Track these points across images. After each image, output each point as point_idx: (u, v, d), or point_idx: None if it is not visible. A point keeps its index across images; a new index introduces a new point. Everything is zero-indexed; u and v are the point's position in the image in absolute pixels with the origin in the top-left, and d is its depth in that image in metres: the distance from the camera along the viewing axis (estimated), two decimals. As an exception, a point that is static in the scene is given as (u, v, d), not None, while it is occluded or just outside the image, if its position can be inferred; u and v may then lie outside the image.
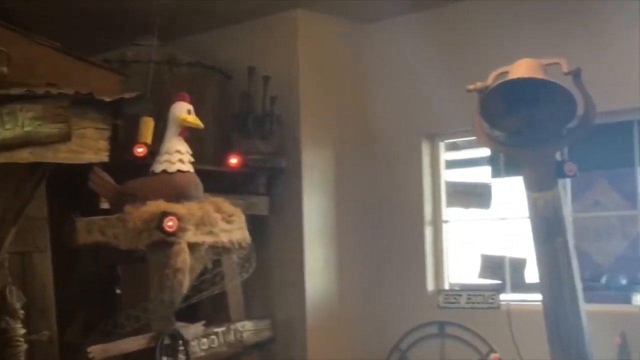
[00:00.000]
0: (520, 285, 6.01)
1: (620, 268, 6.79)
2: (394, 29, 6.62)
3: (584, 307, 4.79)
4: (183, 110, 4.94)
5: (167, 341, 4.60)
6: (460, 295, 6.06)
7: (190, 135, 5.09)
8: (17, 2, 5.45)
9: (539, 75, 4.54)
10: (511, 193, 5.72)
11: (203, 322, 4.98)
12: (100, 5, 6.06)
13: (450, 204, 6.29)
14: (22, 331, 4.72)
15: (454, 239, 6.51)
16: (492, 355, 5.72)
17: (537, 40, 5.64)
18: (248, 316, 6.00)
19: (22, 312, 4.75)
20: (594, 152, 5.78)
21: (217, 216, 4.82)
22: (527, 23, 5.88)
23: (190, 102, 4.99)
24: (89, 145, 4.76)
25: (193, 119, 4.96)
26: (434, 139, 6.52)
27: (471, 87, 4.75)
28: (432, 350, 6.08)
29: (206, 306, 5.95)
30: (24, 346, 4.72)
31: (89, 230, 4.76)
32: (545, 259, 4.73)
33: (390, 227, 6.47)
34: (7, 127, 4.38)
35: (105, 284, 5.29)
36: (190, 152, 4.97)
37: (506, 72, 4.66)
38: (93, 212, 5.06)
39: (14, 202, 4.75)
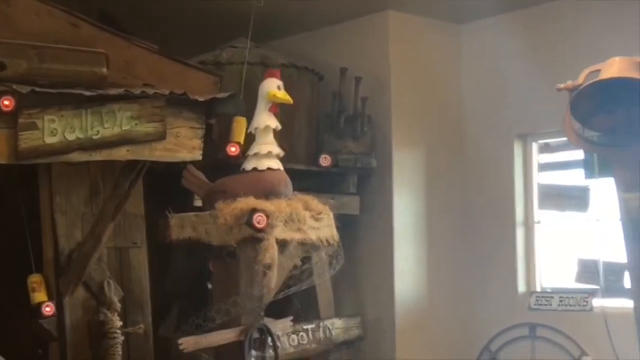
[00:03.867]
0: (617, 290, 5.87)
1: None
2: (485, 29, 6.59)
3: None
4: (273, 86, 5.03)
5: (255, 335, 4.69)
6: (552, 297, 5.97)
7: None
8: (116, 6, 5.66)
9: (632, 74, 4.45)
10: (608, 195, 5.61)
11: (291, 317, 5.05)
12: (197, 8, 6.22)
13: (543, 206, 6.20)
14: (119, 323, 4.90)
15: (548, 241, 6.42)
16: (584, 359, 5.64)
17: (630, 37, 5.52)
18: (337, 314, 6.05)
19: (119, 305, 4.93)
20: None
21: (306, 213, 4.89)
22: (620, 19, 5.77)
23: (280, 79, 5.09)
24: (184, 144, 4.88)
25: (282, 94, 5.05)
26: (526, 138, 6.46)
27: (562, 85, 4.70)
28: (523, 352, 6.02)
29: (296, 304, 6.06)
30: (120, 338, 4.89)
31: (181, 226, 4.91)
32: (636, 261, 4.64)
33: (480, 228, 6.44)
34: (107, 126, 4.53)
35: (198, 279, 5.43)
36: (280, 127, 5.05)
37: (598, 70, 4.58)
38: (186, 209, 5.22)
39: (113, 198, 4.92)
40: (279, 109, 5.12)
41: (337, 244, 5.11)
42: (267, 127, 5.01)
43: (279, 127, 5.08)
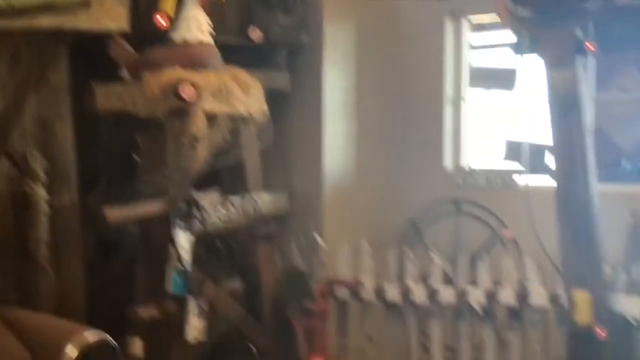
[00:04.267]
0: (541, 170, 6.01)
1: (641, 154, 6.74)
2: None
3: (596, 186, 4.82)
4: (204, -23, 4.91)
5: (182, 206, 4.69)
6: (478, 174, 6.11)
7: (210, 7, 5.08)
8: None
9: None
10: (536, 74, 5.66)
11: (217, 189, 5.05)
12: None
13: (473, 85, 6.23)
14: (44, 195, 4.84)
15: (476, 120, 6.49)
16: (506, 232, 5.81)
17: None
18: (266, 189, 6.09)
19: (43, 176, 4.85)
20: (622, 34, 5.66)
21: (235, 86, 4.84)
22: None
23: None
24: (109, 13, 4.75)
25: (214, -13, 4.93)
26: (458, 16, 6.42)
27: (493, -39, 4.67)
28: (447, 227, 6.18)
29: (224, 178, 6.07)
30: (45, 209, 4.85)
31: (107, 97, 4.82)
32: (559, 136, 4.75)
33: (410, 105, 6.46)
34: (28, -8, 4.38)
35: (125, 151, 5.37)
36: (210, 24, 4.96)
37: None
38: (113, 81, 5.11)
39: (35, 68, 4.79)
40: (208, 3, 4.98)
41: (266, 119, 5.09)
42: (194, 19, 4.89)
43: (209, 23, 4.96)
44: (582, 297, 4.71)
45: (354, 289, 5.82)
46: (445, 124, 6.35)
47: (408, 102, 6.47)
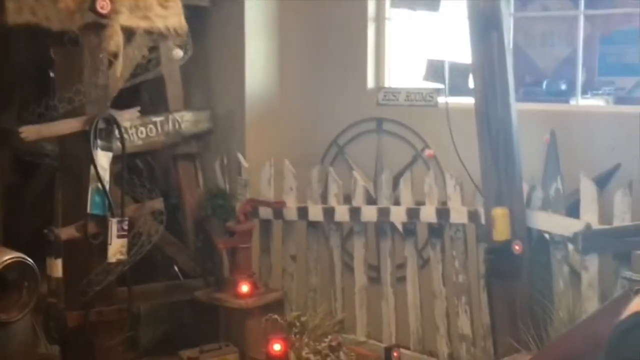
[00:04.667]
0: (461, 89, 6.05)
1: (561, 74, 6.84)
2: None
3: (515, 104, 4.88)
4: None
5: (101, 125, 4.59)
6: (400, 93, 6.12)
7: None
8: None
9: None
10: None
11: (138, 108, 4.96)
12: None
13: (395, 4, 6.20)
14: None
15: (398, 40, 6.46)
16: (427, 151, 5.86)
17: None
18: (187, 107, 6.00)
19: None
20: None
21: (153, 1, 4.71)
22: None
23: None
24: None
25: None
26: None
27: None
28: (369, 145, 6.21)
29: (144, 96, 5.96)
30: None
31: (18, 10, 4.63)
32: (479, 54, 4.76)
33: (332, 23, 6.40)
34: None
35: (39, 67, 5.20)
36: None
37: None
38: (25, -6, 4.91)
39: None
40: None
41: (186, 34, 4.98)
42: None
43: None
44: (500, 214, 4.80)
45: (277, 208, 5.83)
46: (368, 44, 6.31)
47: (331, 22, 6.40)
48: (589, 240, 2.02)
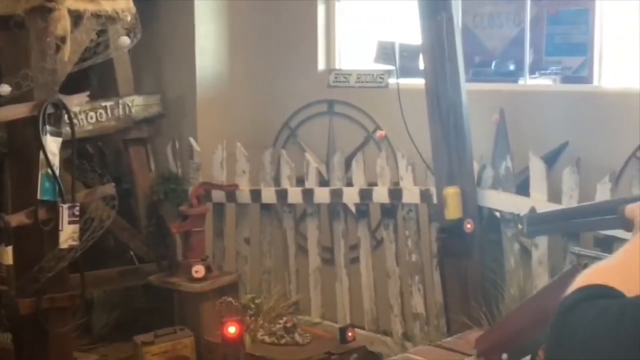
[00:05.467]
0: (412, 70, 6.09)
1: (509, 54, 6.90)
2: None
3: (465, 84, 4.93)
4: None
5: (50, 110, 4.53)
6: (350, 74, 6.14)
7: None
8: None
9: None
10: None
11: (87, 92, 4.90)
12: None
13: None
14: None
15: (348, 21, 6.47)
16: (378, 132, 5.89)
17: None
18: (137, 91, 5.95)
19: None
20: None
21: (100, -17, 4.66)
22: None
23: None
24: None
25: None
26: None
27: None
28: (321, 128, 6.22)
29: (94, 81, 5.90)
30: None
31: (-37, -6, 4.55)
32: (428, 35, 4.79)
33: (283, 5, 6.38)
34: None
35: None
36: None
37: None
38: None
39: None
40: None
41: (134, 17, 4.93)
42: None
43: None
44: (452, 193, 4.85)
45: (230, 191, 5.82)
46: (318, 25, 6.31)
47: (281, 4, 6.38)
48: (533, 224, 2.06)
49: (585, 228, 1.89)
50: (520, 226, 2.17)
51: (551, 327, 1.18)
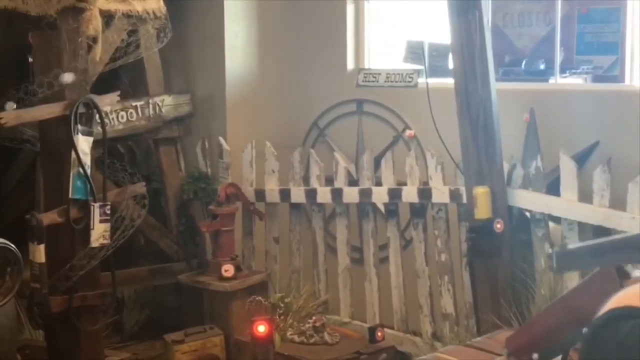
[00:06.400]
0: (441, 70, 6.08)
1: (539, 53, 6.86)
2: None
3: (495, 84, 4.90)
4: None
5: (81, 109, 4.57)
6: (379, 74, 6.12)
7: None
8: None
9: None
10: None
11: (118, 92, 4.93)
12: None
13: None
14: None
15: (377, 20, 6.46)
16: (408, 132, 5.88)
17: None
18: (167, 91, 5.99)
19: None
20: None
21: (131, -17, 4.70)
22: None
23: None
24: None
25: None
26: None
27: None
28: (350, 127, 6.22)
29: (124, 81, 5.94)
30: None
31: (-4, -5, 4.60)
32: (458, 34, 4.78)
33: (312, 5, 6.38)
34: None
35: (18, 52, 5.17)
36: None
37: None
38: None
39: None
40: None
41: (165, 17, 4.96)
42: None
43: None
44: (481, 193, 4.83)
45: (254, 213, 5.84)
46: (347, 25, 6.31)
47: (310, 4, 6.38)
48: (563, 259, 2.06)
49: (616, 262, 1.88)
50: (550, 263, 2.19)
51: (583, 345, 1.19)
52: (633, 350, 1.12)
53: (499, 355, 2.40)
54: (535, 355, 2.33)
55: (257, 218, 5.91)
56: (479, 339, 2.96)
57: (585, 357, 1.18)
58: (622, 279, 1.80)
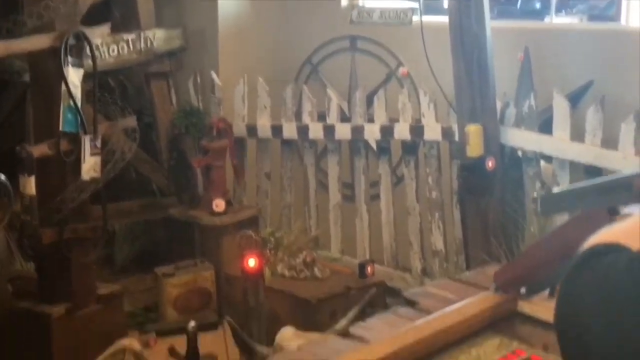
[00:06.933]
0: (436, 8, 6.02)
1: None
2: None
3: (490, 22, 4.86)
4: None
5: (72, 41, 4.51)
6: (374, 11, 6.04)
7: None
8: None
9: None
10: None
11: (109, 23, 4.87)
12: None
13: None
14: None
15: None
16: (401, 69, 5.85)
17: None
18: (159, 25, 5.92)
19: None
20: None
21: None
22: None
23: None
24: None
25: None
26: None
27: None
28: (343, 64, 6.17)
29: (115, 13, 5.86)
30: None
31: None
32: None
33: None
34: None
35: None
36: None
37: None
38: None
39: None
40: None
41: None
42: None
43: None
44: (474, 131, 4.82)
45: (236, 173, 5.82)
46: (342, -41, 6.22)
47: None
48: (547, 204, 2.05)
49: (600, 205, 1.87)
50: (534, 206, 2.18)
51: (561, 285, 1.18)
52: (613, 287, 1.11)
53: (487, 289, 2.41)
54: (523, 289, 2.35)
55: (246, 154, 5.90)
56: (467, 273, 2.97)
57: (563, 293, 1.17)
58: (612, 215, 1.81)
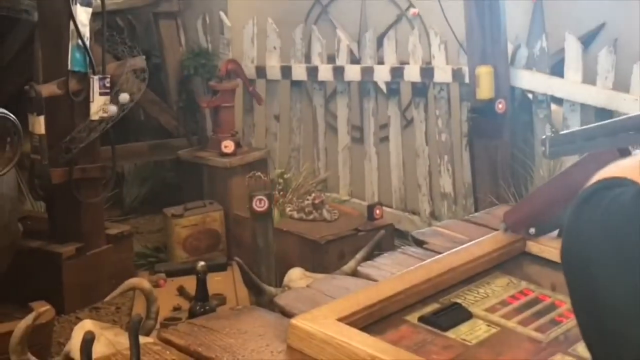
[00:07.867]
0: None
1: None
2: None
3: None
4: None
5: (79, -21, 4.47)
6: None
7: None
8: None
9: None
10: None
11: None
12: None
13: None
14: None
15: None
16: (411, 10, 5.78)
17: None
18: (167, -37, 5.86)
19: None
20: None
21: None
22: None
23: None
24: None
25: None
26: None
27: None
28: (353, 5, 6.09)
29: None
30: None
31: None
32: None
33: None
34: None
35: None
36: None
37: None
38: None
39: None
40: None
41: None
42: None
43: None
44: (484, 73, 4.78)
45: (252, 93, 5.78)
46: None
47: None
48: (556, 144, 2.03)
49: (609, 147, 1.85)
50: (542, 148, 2.13)
51: (567, 219, 1.17)
52: (619, 218, 1.10)
53: (496, 230, 2.41)
54: (532, 230, 2.35)
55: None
56: (476, 214, 2.97)
57: (569, 227, 1.16)
58: (624, 155, 1.79)
